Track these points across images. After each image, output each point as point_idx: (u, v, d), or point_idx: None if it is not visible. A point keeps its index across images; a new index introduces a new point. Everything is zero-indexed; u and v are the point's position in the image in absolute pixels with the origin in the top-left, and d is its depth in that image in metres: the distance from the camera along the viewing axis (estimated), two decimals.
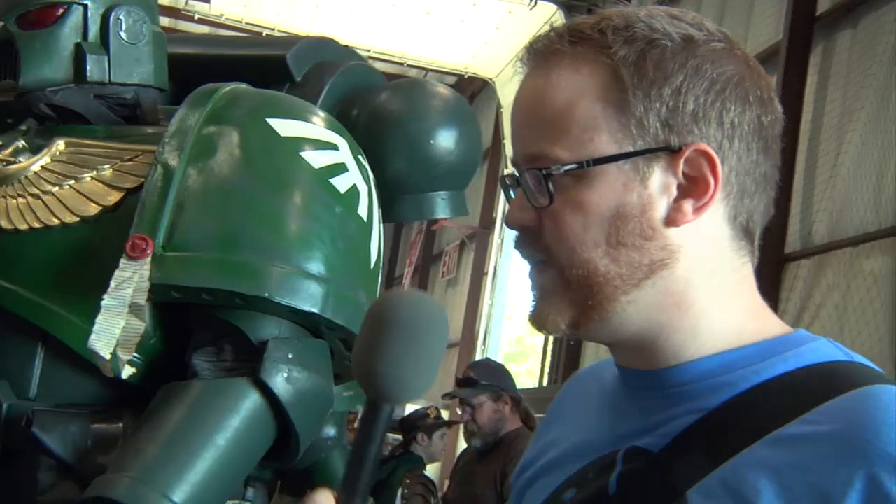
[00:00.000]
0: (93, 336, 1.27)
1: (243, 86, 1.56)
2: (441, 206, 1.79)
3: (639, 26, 0.74)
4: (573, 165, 0.73)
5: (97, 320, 1.28)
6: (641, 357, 0.78)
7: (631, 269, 0.74)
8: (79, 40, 1.50)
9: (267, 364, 1.32)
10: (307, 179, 1.47)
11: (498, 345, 9.94)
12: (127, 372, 1.32)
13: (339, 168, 1.50)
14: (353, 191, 1.51)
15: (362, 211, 1.53)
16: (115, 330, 1.29)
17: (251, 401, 1.32)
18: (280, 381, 1.32)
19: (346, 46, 1.90)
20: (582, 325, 0.76)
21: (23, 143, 1.49)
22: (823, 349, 0.75)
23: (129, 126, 1.59)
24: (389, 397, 0.66)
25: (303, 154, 1.47)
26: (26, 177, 1.45)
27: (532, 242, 0.77)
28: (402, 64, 9.73)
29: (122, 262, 1.30)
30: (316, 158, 1.48)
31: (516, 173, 0.77)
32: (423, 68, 9.68)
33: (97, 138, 1.51)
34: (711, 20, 0.79)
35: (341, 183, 1.49)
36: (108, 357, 1.29)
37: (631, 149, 0.73)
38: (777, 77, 4.94)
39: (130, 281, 1.30)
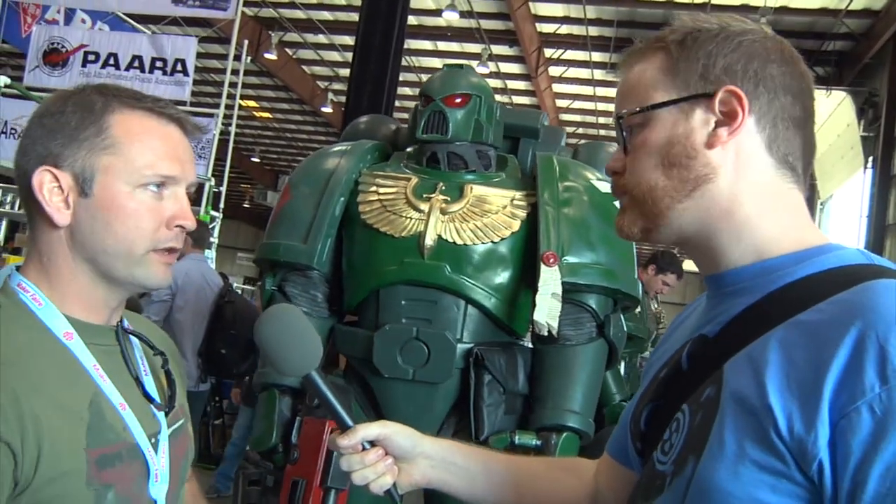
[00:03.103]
0: (537, 312, 2.16)
1: (557, 155, 2.53)
2: None
3: (688, 23, 0.96)
4: (636, 109, 0.95)
5: (538, 305, 2.15)
6: (708, 262, 0.96)
7: (681, 183, 0.93)
8: (477, 116, 2.40)
9: (610, 330, 2.31)
10: None
11: None
12: (549, 328, 2.20)
13: None
14: None
15: None
16: (545, 309, 2.16)
17: (605, 350, 2.33)
18: (614, 337, 2.31)
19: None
20: (651, 231, 0.97)
21: (443, 185, 2.35)
22: (848, 255, 0.89)
23: (490, 173, 2.46)
24: (301, 370, 1.08)
25: (615, 203, 2.38)
26: (465, 210, 2.30)
27: (618, 181, 1.00)
28: None
29: (543, 268, 2.18)
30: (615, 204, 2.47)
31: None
32: None
33: (484, 184, 2.38)
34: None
35: None
36: (544, 324, 2.17)
37: (676, 97, 0.93)
38: None
39: (550, 280, 2.18)
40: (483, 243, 2.29)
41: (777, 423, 0.76)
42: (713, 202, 0.92)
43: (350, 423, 1.12)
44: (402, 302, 2.31)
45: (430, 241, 2.26)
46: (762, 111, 0.91)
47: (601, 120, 17.26)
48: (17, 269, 1.08)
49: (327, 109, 18.19)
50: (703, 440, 0.81)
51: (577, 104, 17.04)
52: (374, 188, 2.39)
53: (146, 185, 1.05)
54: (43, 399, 0.94)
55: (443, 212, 2.29)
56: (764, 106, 0.91)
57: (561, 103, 17.20)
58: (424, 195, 2.33)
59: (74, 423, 0.98)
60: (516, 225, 2.32)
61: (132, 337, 1.15)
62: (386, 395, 2.28)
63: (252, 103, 19.22)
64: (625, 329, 2.41)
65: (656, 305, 4.66)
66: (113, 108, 1.04)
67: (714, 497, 0.78)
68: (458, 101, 2.37)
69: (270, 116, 21.12)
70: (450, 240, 2.27)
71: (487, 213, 2.32)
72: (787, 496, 0.75)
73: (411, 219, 2.30)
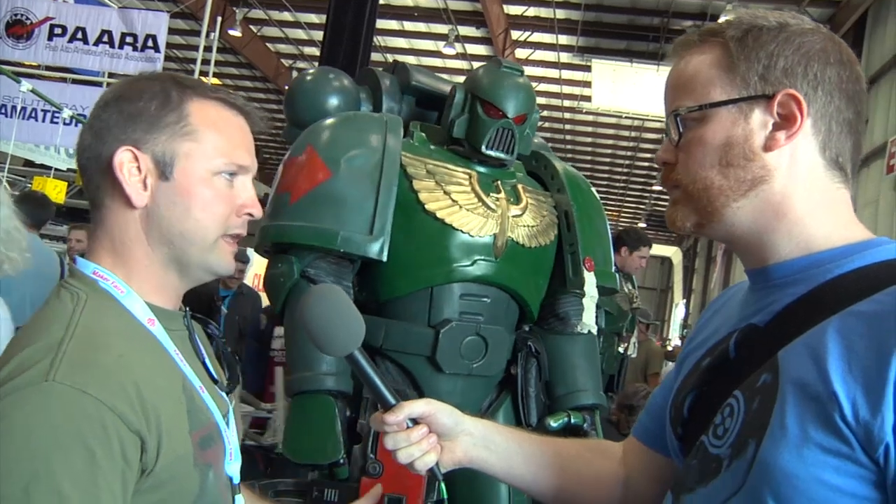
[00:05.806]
0: (586, 315, 2.37)
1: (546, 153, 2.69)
2: None
3: (746, 18, 0.97)
4: (695, 106, 0.96)
5: (587, 308, 2.37)
6: (755, 257, 0.98)
7: (738, 183, 0.95)
8: (528, 131, 2.43)
9: (601, 320, 2.51)
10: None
11: None
12: (591, 328, 2.43)
13: None
14: None
15: None
16: (590, 312, 2.37)
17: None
18: (601, 322, 2.51)
19: None
20: (704, 226, 0.99)
21: (500, 184, 2.39)
22: None
23: (513, 170, 2.51)
24: (345, 349, 1.07)
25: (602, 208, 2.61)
26: (527, 214, 2.38)
27: (669, 173, 1.01)
28: None
29: (586, 273, 2.35)
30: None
31: (664, 127, 1.01)
32: None
33: (527, 185, 2.47)
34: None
35: None
36: (588, 325, 2.38)
37: (736, 96, 0.95)
38: None
39: (591, 285, 2.35)
40: (539, 246, 2.37)
41: (842, 408, 0.78)
42: (767, 202, 0.95)
43: (393, 400, 1.12)
44: (460, 298, 2.30)
45: (504, 242, 2.30)
46: (818, 114, 0.93)
47: (566, 103, 17.35)
48: (83, 255, 1.07)
49: None
50: (763, 424, 0.84)
51: (543, 87, 17.10)
52: (432, 177, 2.30)
53: (221, 173, 1.07)
54: (153, 387, 0.96)
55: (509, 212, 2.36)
56: (820, 109, 0.93)
57: None
58: (491, 194, 2.33)
59: (178, 408, 1.00)
60: (555, 230, 2.44)
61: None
62: (434, 386, 2.28)
63: (215, 80, 18.95)
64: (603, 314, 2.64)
65: (631, 287, 4.76)
66: (190, 97, 1.06)
67: (778, 478, 0.81)
68: (521, 117, 2.36)
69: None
70: (519, 241, 2.33)
71: (539, 216, 2.39)
72: (850, 477, 0.79)
73: (486, 218, 2.28)
